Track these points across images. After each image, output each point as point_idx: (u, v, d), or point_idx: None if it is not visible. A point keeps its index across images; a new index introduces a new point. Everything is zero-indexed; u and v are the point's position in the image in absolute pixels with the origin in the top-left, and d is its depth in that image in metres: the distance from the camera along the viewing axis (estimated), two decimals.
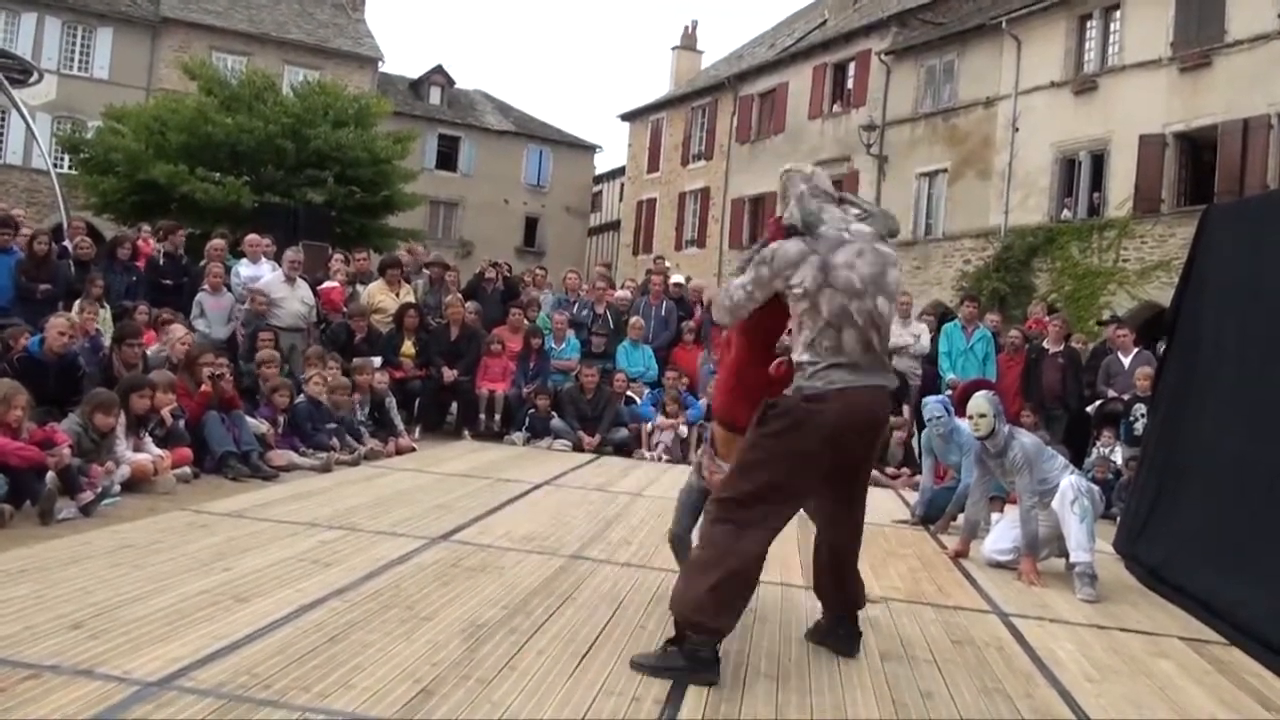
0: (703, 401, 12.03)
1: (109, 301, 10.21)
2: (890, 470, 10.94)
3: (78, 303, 9.63)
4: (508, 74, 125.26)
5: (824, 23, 35.27)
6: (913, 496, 9.10)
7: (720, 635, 3.83)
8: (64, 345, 7.86)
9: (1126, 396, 10.78)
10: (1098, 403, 11.29)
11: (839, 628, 4.41)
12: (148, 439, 7.33)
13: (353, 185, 25.39)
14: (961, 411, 7.87)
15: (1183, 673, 4.61)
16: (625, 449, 11.81)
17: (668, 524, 5.05)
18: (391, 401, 10.66)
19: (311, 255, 13.10)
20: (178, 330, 9.31)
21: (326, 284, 12.28)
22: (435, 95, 44.68)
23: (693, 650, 3.77)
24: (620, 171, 45.26)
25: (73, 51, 35.60)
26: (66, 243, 11.41)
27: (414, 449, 10.38)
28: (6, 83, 18.23)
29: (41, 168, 27.69)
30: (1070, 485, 6.22)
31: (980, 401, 6.49)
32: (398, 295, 12.51)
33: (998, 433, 6.48)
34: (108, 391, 7.06)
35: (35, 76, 20.29)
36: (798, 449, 3.86)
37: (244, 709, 3.14)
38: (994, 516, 7.49)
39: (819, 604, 4.49)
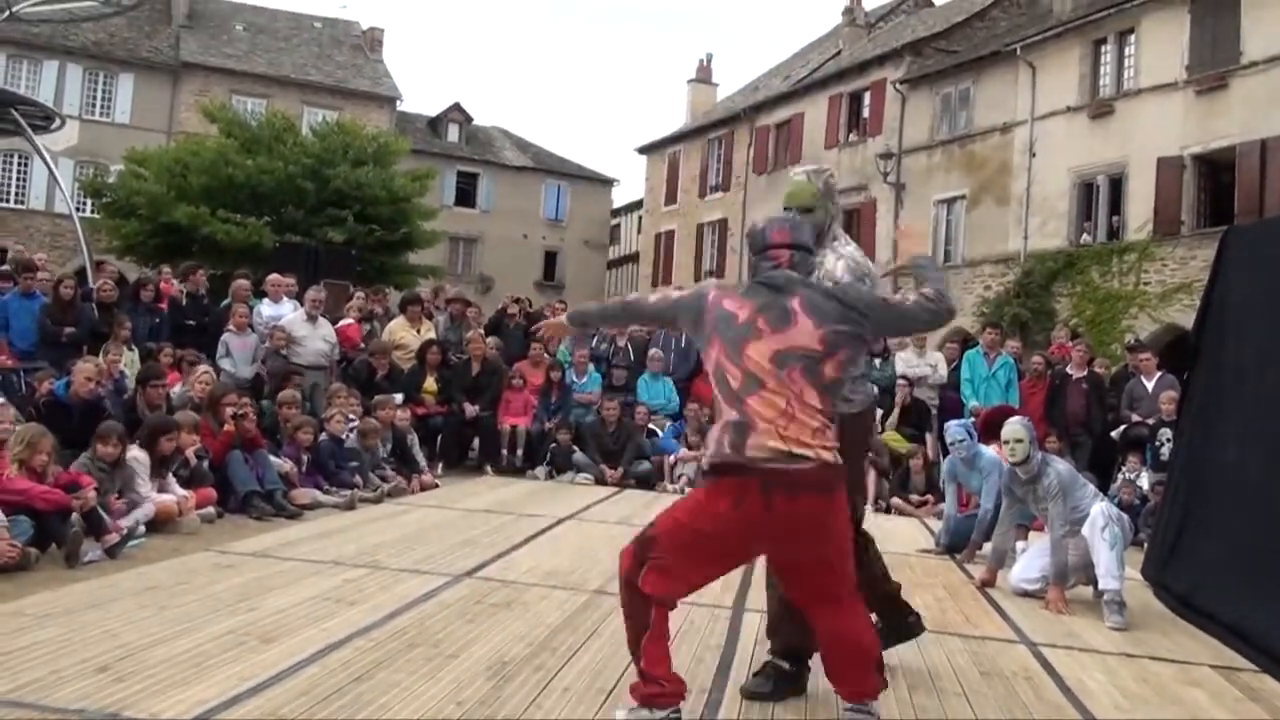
0: None
1: (134, 343, 10.29)
2: (914, 498, 10.90)
3: (105, 346, 9.71)
4: (525, 110, 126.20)
5: (838, 53, 35.41)
6: (936, 525, 9.04)
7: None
8: (91, 391, 7.93)
9: (1151, 421, 10.71)
10: (1121, 428, 11.22)
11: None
12: (172, 479, 7.36)
13: (372, 224, 25.54)
14: (985, 438, 7.84)
15: (1215, 701, 4.56)
16: (648, 482, 11.78)
17: None
18: (414, 438, 10.68)
19: (333, 294, 13.17)
20: (200, 370, 9.37)
21: (343, 322, 12.34)
22: (453, 133, 44.99)
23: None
24: (638, 204, 45.41)
25: (94, 97, 36.02)
26: (90, 286, 11.52)
27: (436, 485, 10.38)
28: (30, 129, 18.44)
29: (64, 212, 27.94)
30: (1101, 512, 6.18)
31: (1016, 427, 6.45)
32: (419, 332, 12.57)
33: (1031, 459, 6.43)
34: (109, 423, 7.10)
35: (58, 122, 20.49)
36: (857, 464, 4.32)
37: None
38: (1019, 545, 7.44)
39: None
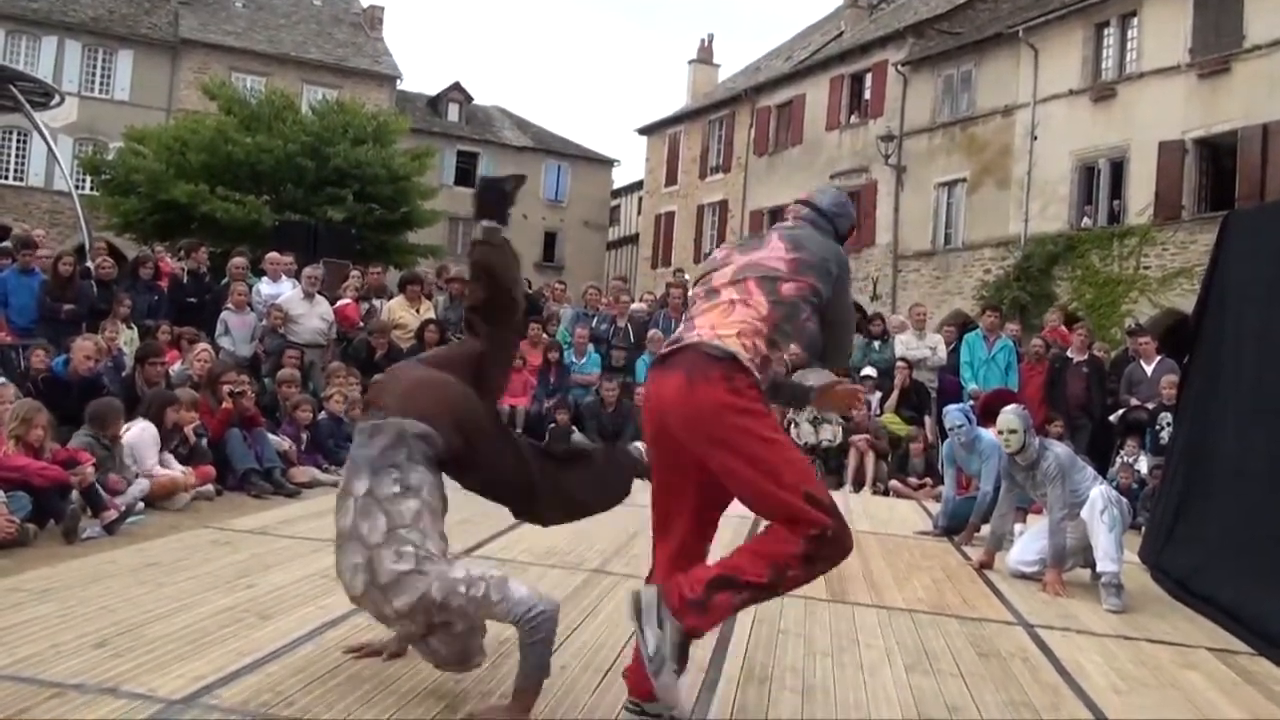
0: None
1: (133, 321, 10.29)
2: (913, 481, 10.91)
3: (103, 324, 9.71)
4: (525, 90, 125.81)
5: (840, 34, 35.27)
6: (935, 507, 9.06)
7: None
8: (90, 369, 7.93)
9: (1151, 405, 10.71)
10: (1120, 411, 11.22)
11: None
12: (170, 457, 7.36)
13: (372, 203, 25.47)
14: (984, 421, 7.84)
15: (1211, 684, 4.57)
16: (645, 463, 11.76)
17: None
18: None
19: (332, 273, 13.15)
20: (198, 348, 9.37)
21: (341, 302, 12.31)
22: (453, 112, 44.88)
23: None
24: (638, 185, 45.29)
25: (93, 74, 35.90)
26: (89, 263, 11.51)
27: None
28: (28, 105, 18.41)
29: (63, 189, 27.92)
30: (1100, 495, 6.18)
31: (1010, 417, 6.45)
32: (418, 311, 12.54)
33: (1028, 446, 6.43)
34: (109, 400, 7.11)
35: (56, 99, 20.48)
36: None
37: None
38: (1017, 527, 7.45)
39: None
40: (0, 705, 3.15)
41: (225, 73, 34.55)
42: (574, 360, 12.79)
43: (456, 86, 45.41)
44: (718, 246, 27.73)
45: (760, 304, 3.27)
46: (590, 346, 12.91)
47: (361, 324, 12.19)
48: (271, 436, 8.56)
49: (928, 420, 11.91)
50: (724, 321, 3.23)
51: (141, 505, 6.61)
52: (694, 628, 3.11)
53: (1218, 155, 21.80)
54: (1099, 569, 6.06)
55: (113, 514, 6.04)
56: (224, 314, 11.05)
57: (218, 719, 3.18)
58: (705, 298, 3.39)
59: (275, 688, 3.48)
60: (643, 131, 42.75)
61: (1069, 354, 12.04)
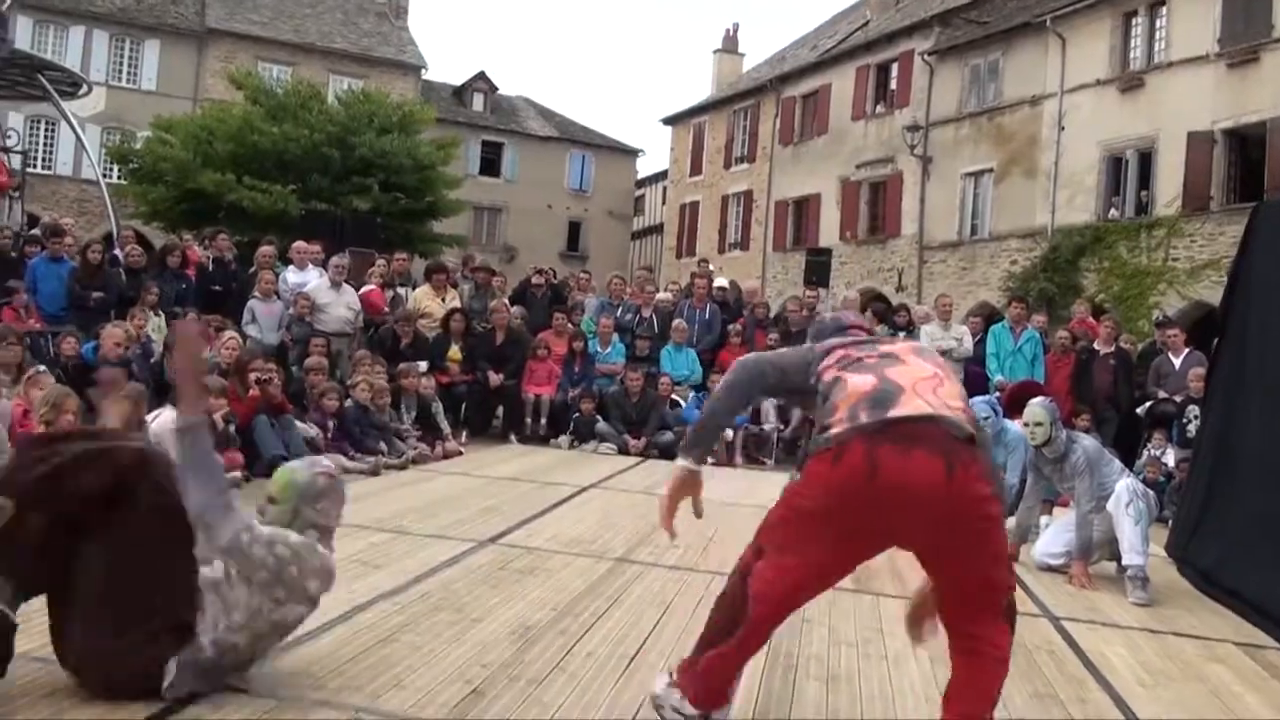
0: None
1: (161, 309, 10.37)
2: None
3: (132, 311, 9.79)
4: (550, 80, 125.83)
5: (866, 23, 35.11)
6: None
7: None
8: (119, 355, 8.00)
9: (1179, 398, 10.64)
10: (1148, 404, 11.16)
11: None
12: None
13: (397, 192, 25.56)
14: (1011, 413, 7.81)
15: (1237, 677, 4.55)
16: (670, 452, 11.76)
17: (714, 528, 4.99)
18: (438, 406, 10.72)
19: (358, 262, 13.21)
20: (226, 336, 9.43)
21: (366, 288, 12.37)
22: (478, 102, 44.94)
23: None
24: (663, 175, 45.25)
25: (121, 63, 36.11)
26: (117, 251, 11.60)
27: (461, 453, 10.43)
28: (56, 95, 18.46)
29: (91, 178, 28.04)
30: (1126, 488, 6.15)
31: (1037, 410, 6.42)
32: (444, 300, 12.60)
33: (1055, 439, 6.40)
34: (132, 384, 7.17)
35: (84, 88, 20.50)
36: None
37: (297, 709, 3.18)
38: (1043, 520, 7.42)
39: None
40: (31, 685, 3.19)
41: (251, 62, 34.66)
42: (598, 350, 12.80)
43: (481, 76, 45.47)
44: (742, 237, 27.52)
45: (959, 386, 3.17)
46: (615, 336, 12.92)
47: (387, 311, 12.25)
48: (299, 424, 8.62)
49: None
50: (946, 392, 3.07)
51: None
52: None
53: (1246, 146, 21.62)
54: (1125, 562, 6.04)
55: None
56: (251, 302, 11.12)
57: (246, 702, 3.21)
58: (884, 360, 3.17)
59: (305, 670, 3.52)
60: (667, 121, 42.71)
61: (1096, 346, 11.98)
